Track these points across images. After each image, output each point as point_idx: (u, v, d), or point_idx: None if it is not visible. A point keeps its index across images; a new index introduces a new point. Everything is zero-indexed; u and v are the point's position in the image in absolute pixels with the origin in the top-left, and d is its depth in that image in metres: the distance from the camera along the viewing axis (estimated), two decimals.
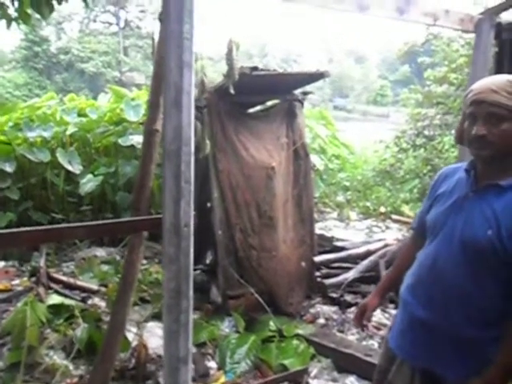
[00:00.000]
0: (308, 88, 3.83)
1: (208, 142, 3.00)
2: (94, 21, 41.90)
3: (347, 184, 7.86)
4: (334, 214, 6.97)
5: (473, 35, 2.48)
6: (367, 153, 9.81)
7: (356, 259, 4.00)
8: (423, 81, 8.66)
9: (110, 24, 41.65)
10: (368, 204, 7.08)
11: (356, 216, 6.87)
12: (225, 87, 2.76)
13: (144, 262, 4.47)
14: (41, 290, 3.70)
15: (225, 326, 3.31)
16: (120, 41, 38.14)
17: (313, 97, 3.80)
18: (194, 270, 4.00)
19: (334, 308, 3.57)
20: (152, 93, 2.08)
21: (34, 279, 3.98)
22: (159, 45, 2.05)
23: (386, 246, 4.05)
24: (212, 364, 2.93)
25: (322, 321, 3.42)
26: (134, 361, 2.71)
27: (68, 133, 5.37)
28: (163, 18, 1.39)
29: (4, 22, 4.00)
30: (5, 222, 4.79)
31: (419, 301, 1.40)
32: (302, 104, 3.66)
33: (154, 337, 3.02)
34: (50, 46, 36.79)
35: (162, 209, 1.54)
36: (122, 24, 40.00)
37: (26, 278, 4.10)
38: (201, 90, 3.10)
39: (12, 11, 4.12)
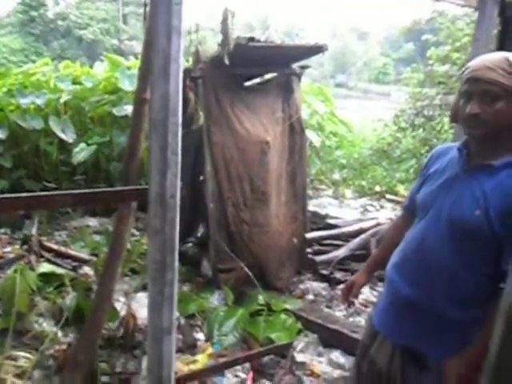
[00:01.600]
0: (309, 62, 3.75)
1: (202, 113, 2.95)
2: None
3: (344, 162, 7.82)
4: (329, 192, 6.96)
5: (476, 13, 2.41)
6: (366, 131, 9.74)
7: (348, 237, 4.01)
8: (426, 60, 8.52)
9: None
10: (363, 183, 7.07)
11: (351, 194, 6.86)
12: (220, 58, 2.69)
13: (136, 233, 4.47)
14: (32, 257, 3.70)
15: (214, 299, 3.34)
16: (119, 8, 37.19)
17: (313, 72, 3.73)
18: (186, 242, 4.05)
19: (324, 285, 3.60)
20: (143, 61, 2.02)
21: (25, 247, 3.97)
22: (151, 11, 1.98)
23: (378, 224, 4.06)
24: (200, 335, 2.96)
25: (310, 297, 3.45)
26: (122, 330, 2.73)
27: (62, 100, 5.27)
28: None
29: None
30: None
31: (405, 279, 1.39)
32: (300, 78, 3.58)
33: (142, 307, 3.03)
34: (48, 11, 35.85)
35: None
36: None
37: (17, 246, 4.10)
38: (196, 60, 3.02)
39: None
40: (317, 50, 3.24)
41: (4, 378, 2.28)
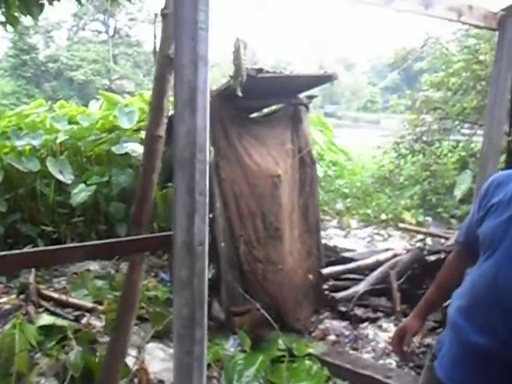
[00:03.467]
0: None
1: (211, 148, 2.81)
2: (83, 29, 41.62)
3: (346, 191, 7.70)
4: (334, 222, 6.80)
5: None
6: (364, 159, 9.68)
7: (364, 270, 3.82)
8: (413, 87, 8.61)
9: (100, 32, 41.43)
10: (368, 211, 6.92)
11: (356, 224, 6.70)
12: (230, 90, 2.57)
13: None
14: (30, 308, 3.45)
15: (230, 345, 3.10)
16: (109, 49, 37.93)
17: None
18: None
19: (345, 323, 3.38)
20: (154, 96, 1.89)
21: (22, 296, 3.73)
22: (162, 44, 1.87)
23: (395, 255, 3.88)
24: None
25: (332, 337, 3.22)
26: None
27: (58, 141, 5.14)
28: (175, 5, 1.21)
29: None
30: None
31: (475, 326, 1.21)
32: (308, 108, 3.49)
33: (154, 359, 2.80)
34: (39, 54, 36.45)
35: (168, 223, 1.35)
36: (111, 32, 39.81)
37: (14, 296, 3.84)
38: None
39: None
40: (326, 79, 3.16)
41: None
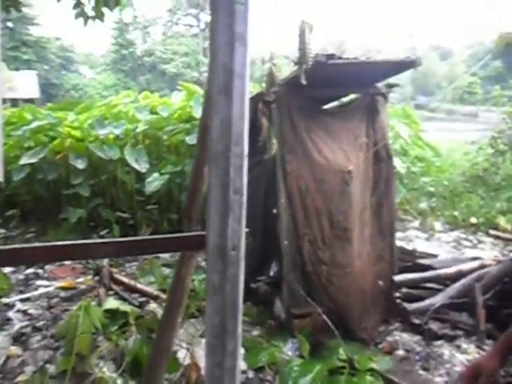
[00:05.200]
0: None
1: (275, 141, 2.65)
2: (177, 24, 43.61)
3: (432, 190, 7.08)
4: (416, 223, 6.29)
5: None
6: (455, 155, 8.86)
7: (444, 280, 3.42)
8: None
9: (191, 26, 43.10)
10: (456, 213, 6.29)
11: (441, 226, 6.13)
12: (296, 78, 2.39)
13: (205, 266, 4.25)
14: (101, 290, 3.61)
15: (287, 349, 2.95)
16: (200, 42, 39.29)
17: (391, 94, 3.29)
18: (257, 281, 3.72)
19: (417, 338, 3.05)
20: (208, 81, 1.77)
21: (97, 278, 3.92)
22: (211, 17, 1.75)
23: (482, 266, 3.42)
24: None
25: (401, 352, 2.92)
26: (184, 382, 2.44)
27: (138, 130, 5.32)
28: None
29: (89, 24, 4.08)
30: (75, 218, 4.84)
31: None
32: (386, 99, 3.17)
33: None
34: (136, 49, 38.96)
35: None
36: (202, 26, 41.20)
37: (90, 277, 4.06)
38: (270, 83, 2.75)
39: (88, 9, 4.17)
40: (407, 65, 2.82)
41: None
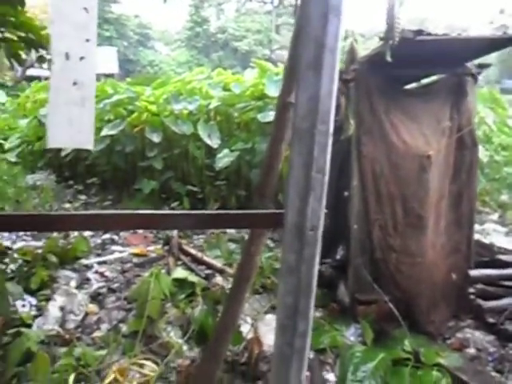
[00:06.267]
0: None
1: (352, 121, 2.56)
2: (250, 0, 43.31)
3: None
4: (495, 216, 5.87)
5: None
6: None
7: None
8: None
9: (265, 3, 42.65)
10: None
11: None
12: (380, 55, 2.26)
13: (271, 244, 4.28)
14: (171, 260, 3.77)
15: (350, 334, 2.91)
16: (273, 19, 38.85)
17: None
18: (322, 263, 3.68)
19: (490, 337, 2.86)
20: (290, 57, 1.73)
21: (166, 248, 4.09)
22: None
23: None
24: (330, 376, 2.57)
25: (472, 351, 2.77)
26: (246, 356, 2.50)
27: (211, 106, 5.41)
28: None
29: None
30: (148, 189, 5.07)
31: None
32: (476, 80, 2.93)
33: (271, 332, 2.75)
34: (210, 26, 39.38)
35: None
36: (275, 2, 40.62)
37: (159, 246, 4.25)
38: (350, 60, 2.64)
39: None
40: (505, 42, 2.56)
41: None
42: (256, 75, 5.93)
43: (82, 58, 1.23)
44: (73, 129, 1.26)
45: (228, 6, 43.30)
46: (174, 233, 4.11)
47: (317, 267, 1.25)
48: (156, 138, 5.07)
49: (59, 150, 5.88)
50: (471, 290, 3.16)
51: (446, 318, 3.03)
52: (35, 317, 2.85)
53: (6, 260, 3.61)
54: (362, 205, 2.92)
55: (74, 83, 1.24)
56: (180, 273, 3.32)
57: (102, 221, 1.16)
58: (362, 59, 2.73)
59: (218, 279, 3.46)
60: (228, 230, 4.61)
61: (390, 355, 2.59)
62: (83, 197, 6.08)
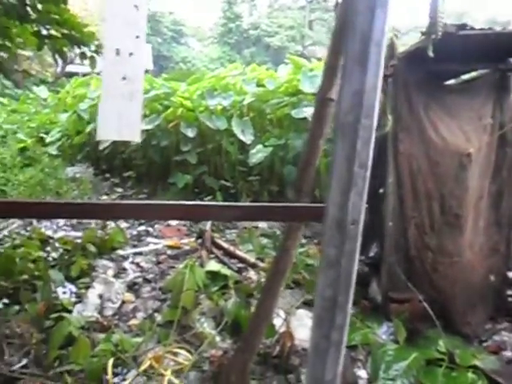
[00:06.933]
0: None
1: (390, 117, 2.53)
2: None
3: None
4: None
5: None
6: None
7: None
8: None
9: None
10: None
11: None
12: (420, 50, 2.23)
13: (303, 240, 4.28)
14: (203, 253, 3.84)
15: (382, 332, 2.88)
16: (306, 15, 38.52)
17: None
18: None
19: None
20: (330, 53, 1.73)
21: (199, 241, 4.17)
22: None
23: None
24: (362, 373, 2.56)
25: (509, 353, 2.69)
26: (278, 349, 2.52)
27: (245, 102, 5.44)
28: None
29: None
30: (182, 183, 5.17)
31: None
32: None
33: (302, 326, 2.79)
34: (242, 22, 39.43)
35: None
36: None
37: (193, 239, 4.33)
38: (389, 55, 2.61)
39: None
40: None
41: (163, 373, 2.29)
42: (290, 71, 5.92)
43: (131, 54, 1.27)
44: (121, 122, 1.30)
45: (261, 2, 43.22)
46: (207, 226, 4.17)
47: (357, 261, 1.26)
48: (190, 133, 5.16)
49: (97, 143, 6.07)
50: (509, 292, 3.08)
51: (483, 320, 2.96)
52: (75, 303, 2.97)
53: (48, 248, 3.77)
54: (398, 202, 2.88)
55: (124, 78, 1.28)
56: (213, 265, 3.38)
57: (149, 210, 1.21)
58: (400, 54, 2.69)
59: (251, 273, 3.50)
60: (260, 225, 4.64)
61: (424, 355, 2.56)
62: (119, 189, 6.25)
